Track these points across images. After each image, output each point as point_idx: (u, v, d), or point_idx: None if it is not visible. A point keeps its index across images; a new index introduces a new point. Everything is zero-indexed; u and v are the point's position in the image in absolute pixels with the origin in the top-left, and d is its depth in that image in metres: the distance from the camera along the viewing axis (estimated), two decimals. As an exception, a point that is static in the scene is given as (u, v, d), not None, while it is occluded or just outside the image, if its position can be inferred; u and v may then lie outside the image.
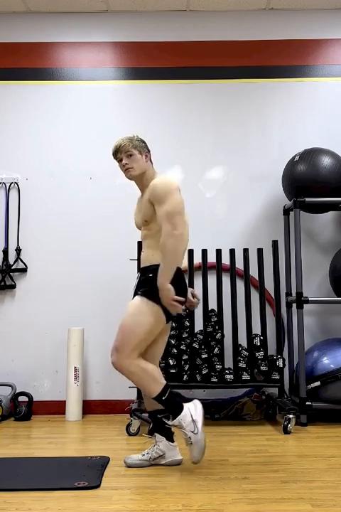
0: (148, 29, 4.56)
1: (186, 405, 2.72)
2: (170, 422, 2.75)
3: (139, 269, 2.96)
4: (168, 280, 2.65)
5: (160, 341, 2.85)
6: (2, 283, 4.32)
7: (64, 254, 4.38)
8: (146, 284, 2.75)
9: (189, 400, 2.78)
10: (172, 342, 3.80)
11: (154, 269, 2.73)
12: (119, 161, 2.91)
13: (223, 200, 4.46)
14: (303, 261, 3.99)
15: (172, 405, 2.72)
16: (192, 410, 2.71)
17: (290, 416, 3.50)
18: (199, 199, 4.40)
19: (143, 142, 2.93)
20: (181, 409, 2.70)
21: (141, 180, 2.89)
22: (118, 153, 2.90)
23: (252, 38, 4.55)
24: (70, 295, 4.33)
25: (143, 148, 2.90)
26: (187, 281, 3.00)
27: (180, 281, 2.76)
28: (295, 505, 2.26)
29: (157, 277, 2.68)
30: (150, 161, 2.94)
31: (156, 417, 2.84)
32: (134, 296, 2.82)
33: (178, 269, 2.73)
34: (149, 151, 2.95)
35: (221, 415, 3.95)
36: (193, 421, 2.68)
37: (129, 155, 2.86)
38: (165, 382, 2.72)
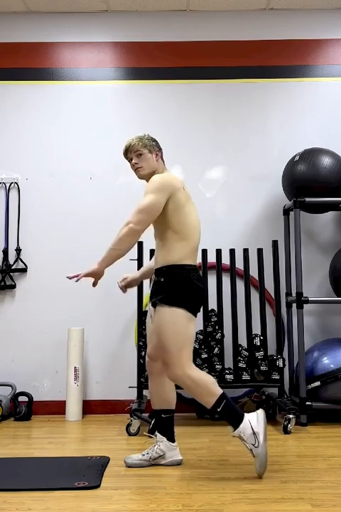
0: (148, 29, 4.56)
1: (247, 416, 2.61)
2: (231, 434, 2.64)
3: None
4: (105, 265, 2.67)
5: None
6: (2, 283, 4.32)
7: (64, 254, 4.38)
8: (161, 290, 2.71)
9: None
10: (172, 342, 3.80)
11: (165, 271, 2.72)
12: (130, 160, 2.90)
13: (223, 200, 4.46)
14: (303, 261, 3.99)
15: (230, 416, 2.62)
16: (254, 422, 2.59)
17: (290, 416, 3.50)
18: (199, 199, 4.36)
19: (154, 141, 2.91)
20: (241, 420, 2.60)
21: None
22: (128, 152, 2.88)
23: (252, 38, 4.55)
24: (70, 295, 4.33)
25: (153, 146, 2.87)
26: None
27: (195, 291, 2.74)
28: (295, 505, 2.26)
29: (169, 279, 2.68)
30: (162, 159, 2.92)
31: (161, 416, 2.84)
32: (153, 303, 2.78)
33: (194, 271, 2.73)
34: (160, 149, 2.92)
35: (221, 415, 3.94)
36: (254, 433, 2.56)
37: (139, 154, 2.85)
38: (220, 392, 2.62)
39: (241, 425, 2.59)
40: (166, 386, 2.86)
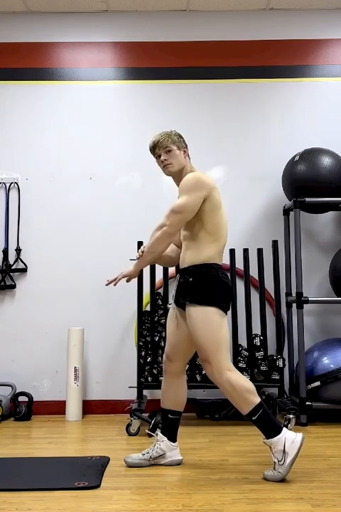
0: (148, 29, 4.56)
1: (285, 432, 2.57)
2: (262, 439, 2.62)
3: (177, 271, 2.90)
4: (140, 267, 2.79)
5: (188, 340, 2.75)
6: (2, 283, 4.31)
7: (64, 254, 4.37)
8: (191, 290, 2.68)
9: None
10: (173, 342, 3.80)
11: (192, 270, 2.68)
12: (158, 157, 2.84)
13: (223, 200, 4.43)
14: (303, 261, 3.99)
15: (265, 427, 2.59)
16: (289, 441, 2.54)
17: (290, 416, 3.49)
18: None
19: (181, 137, 2.88)
20: (278, 432, 2.56)
21: (180, 177, 2.80)
22: (156, 148, 2.82)
23: (252, 38, 4.55)
24: (70, 295, 4.33)
25: (181, 143, 2.84)
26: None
27: (224, 289, 2.71)
28: (295, 505, 2.26)
29: (199, 278, 2.66)
30: (188, 156, 2.89)
31: (168, 416, 2.83)
32: (178, 303, 2.76)
33: (221, 270, 2.71)
34: (186, 145, 2.89)
35: (221, 415, 3.94)
36: (284, 452, 2.52)
37: (168, 151, 2.80)
38: (258, 401, 2.58)
39: (276, 438, 2.55)
40: (180, 388, 2.84)
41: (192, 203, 2.65)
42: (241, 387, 2.59)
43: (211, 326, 2.62)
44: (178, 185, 2.81)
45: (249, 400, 2.58)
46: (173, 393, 2.83)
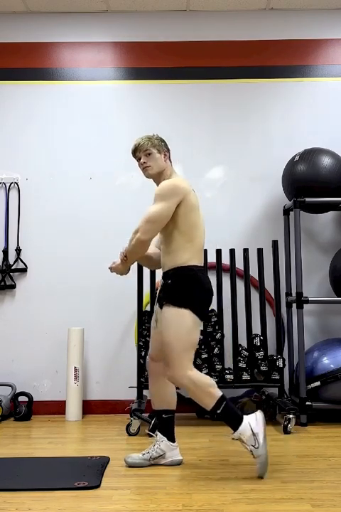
0: (148, 29, 4.56)
1: (246, 418, 2.62)
2: (231, 436, 2.64)
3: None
4: (129, 262, 2.83)
5: None
6: (2, 283, 4.31)
7: (64, 254, 4.37)
8: (168, 291, 2.73)
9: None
10: (172, 342, 3.80)
11: (172, 273, 2.73)
12: (138, 159, 2.91)
13: (223, 200, 4.46)
14: (303, 261, 3.99)
15: (229, 419, 2.63)
16: (253, 423, 2.60)
17: (290, 416, 3.50)
18: (199, 199, 4.37)
19: (163, 141, 2.93)
20: (240, 422, 2.61)
21: (159, 179, 2.86)
22: (137, 151, 2.89)
23: (252, 38, 4.55)
24: (70, 295, 4.33)
25: (162, 147, 2.89)
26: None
27: (203, 294, 2.76)
28: (295, 505, 2.26)
29: (176, 280, 2.70)
30: (170, 159, 2.93)
31: (162, 416, 2.84)
32: (160, 305, 2.79)
33: (201, 272, 2.76)
34: (168, 150, 2.93)
35: (221, 415, 3.94)
36: (253, 434, 2.57)
37: (148, 153, 2.85)
38: (220, 394, 2.63)
39: (241, 427, 2.59)
40: (167, 387, 2.85)
41: (166, 210, 2.70)
42: (203, 383, 2.64)
43: (181, 328, 2.66)
44: None
45: (212, 394, 2.63)
46: (161, 393, 2.86)
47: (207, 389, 2.63)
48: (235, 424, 2.61)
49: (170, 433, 2.85)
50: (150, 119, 4.43)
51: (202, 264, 2.80)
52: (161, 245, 2.85)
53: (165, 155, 2.89)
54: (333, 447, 3.18)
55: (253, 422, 2.61)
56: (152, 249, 2.93)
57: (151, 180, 2.94)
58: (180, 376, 2.64)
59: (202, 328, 3.92)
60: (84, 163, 4.46)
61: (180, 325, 2.65)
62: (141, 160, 2.88)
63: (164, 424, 2.84)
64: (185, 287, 2.70)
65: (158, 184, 2.87)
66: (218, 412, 2.61)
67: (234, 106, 4.52)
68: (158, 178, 2.87)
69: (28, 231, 4.40)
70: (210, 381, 2.68)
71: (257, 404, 3.98)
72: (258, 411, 2.68)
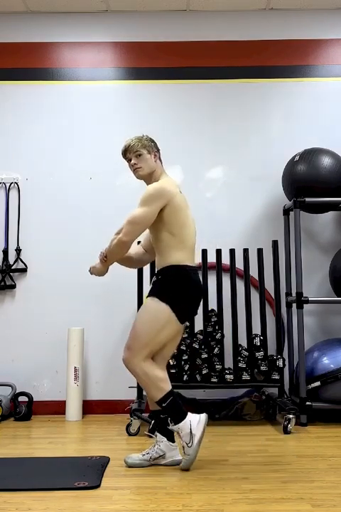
0: (148, 29, 4.56)
1: (190, 416, 2.72)
2: (170, 426, 2.77)
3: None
4: (109, 262, 2.86)
5: (168, 344, 2.83)
6: (2, 283, 4.31)
7: (64, 254, 4.37)
8: (155, 285, 2.79)
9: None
10: (172, 342, 3.80)
11: (163, 271, 2.77)
12: (128, 160, 2.93)
13: (223, 200, 4.46)
14: (303, 261, 3.99)
15: (173, 412, 2.73)
16: (194, 423, 2.71)
17: (290, 416, 3.50)
18: (199, 199, 4.39)
19: (153, 142, 2.95)
20: (183, 417, 2.71)
21: (150, 180, 2.90)
22: (127, 152, 2.92)
23: (252, 38, 4.55)
24: (70, 295, 4.33)
25: (152, 147, 2.91)
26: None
27: (189, 298, 2.80)
28: (295, 505, 2.26)
29: (165, 277, 2.75)
30: (160, 160, 2.95)
31: (159, 416, 2.85)
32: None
33: (194, 272, 2.79)
34: (158, 150, 2.95)
35: (221, 415, 3.94)
36: (191, 434, 2.68)
37: (138, 155, 2.88)
38: (168, 389, 2.73)
39: (182, 423, 2.70)
40: None
41: (150, 213, 2.74)
42: (155, 376, 2.72)
43: (155, 321, 2.72)
44: None
45: (160, 388, 2.71)
46: None
47: (157, 383, 2.72)
48: (178, 418, 2.71)
49: (169, 432, 2.85)
50: (150, 119, 4.43)
51: (194, 264, 2.83)
52: (154, 245, 2.89)
53: (155, 155, 2.91)
54: (333, 447, 3.18)
55: (195, 422, 2.71)
56: (133, 249, 2.99)
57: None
58: (135, 363, 2.72)
59: (202, 328, 3.93)
60: (84, 163, 4.46)
61: (155, 317, 2.71)
62: (132, 161, 2.90)
63: (162, 424, 2.84)
64: (171, 285, 2.74)
65: (148, 184, 2.90)
66: (164, 405, 2.71)
67: (234, 106, 4.52)
68: (148, 178, 2.90)
69: (28, 231, 4.40)
70: (162, 375, 2.75)
71: (257, 404, 3.98)
72: (204, 414, 2.76)
